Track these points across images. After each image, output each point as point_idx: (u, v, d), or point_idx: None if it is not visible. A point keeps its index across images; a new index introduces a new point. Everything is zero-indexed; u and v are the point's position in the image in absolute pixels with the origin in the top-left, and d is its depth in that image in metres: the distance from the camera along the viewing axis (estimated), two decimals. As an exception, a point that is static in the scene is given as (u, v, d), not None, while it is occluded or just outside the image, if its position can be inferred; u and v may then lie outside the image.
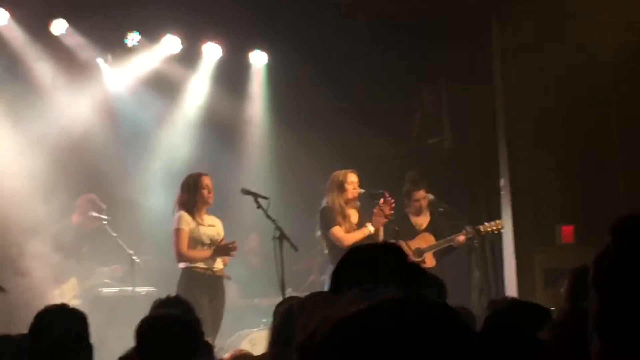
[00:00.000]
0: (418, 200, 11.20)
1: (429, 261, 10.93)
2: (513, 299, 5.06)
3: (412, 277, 3.17)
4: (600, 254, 2.08)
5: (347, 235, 10.08)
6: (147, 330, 4.51)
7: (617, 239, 2.06)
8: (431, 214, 11.31)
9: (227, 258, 10.11)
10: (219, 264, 10.00)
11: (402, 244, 10.53)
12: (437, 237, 11.03)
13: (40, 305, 8.76)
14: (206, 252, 9.89)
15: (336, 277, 3.23)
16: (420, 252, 10.93)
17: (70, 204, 11.25)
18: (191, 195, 9.94)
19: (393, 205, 10.30)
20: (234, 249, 9.95)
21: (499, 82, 12.17)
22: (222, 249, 9.93)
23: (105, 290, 11.17)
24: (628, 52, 11.28)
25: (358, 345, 1.68)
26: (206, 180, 9.99)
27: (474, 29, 12.39)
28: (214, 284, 9.93)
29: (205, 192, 9.96)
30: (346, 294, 1.93)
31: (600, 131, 11.85)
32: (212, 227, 10.03)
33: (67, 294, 10.77)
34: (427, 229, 11.19)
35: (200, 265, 9.88)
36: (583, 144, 11.81)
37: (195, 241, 9.88)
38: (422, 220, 11.28)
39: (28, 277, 10.36)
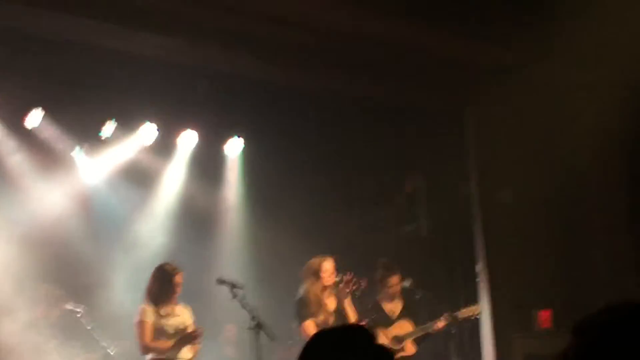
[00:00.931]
0: (392, 286, 11.17)
1: (409, 348, 10.87)
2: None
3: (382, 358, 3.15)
4: (563, 354, 2.08)
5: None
6: None
7: (578, 339, 2.07)
8: (404, 300, 11.26)
9: (196, 347, 10.02)
10: (186, 354, 9.89)
11: (380, 332, 10.49)
12: (414, 324, 10.98)
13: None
14: (170, 342, 9.80)
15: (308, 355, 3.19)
16: (399, 339, 10.87)
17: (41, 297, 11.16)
18: (163, 288, 9.88)
19: (354, 283, 10.27)
20: (197, 336, 9.86)
21: (474, 168, 12.23)
22: (186, 337, 9.84)
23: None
24: (604, 134, 11.38)
25: None
26: (179, 278, 9.97)
27: (450, 115, 12.48)
28: (181, 375, 9.83)
29: (177, 289, 9.93)
30: None
31: (577, 215, 11.88)
32: (177, 317, 9.95)
33: None
34: (401, 316, 11.13)
35: (166, 356, 9.78)
36: (560, 227, 11.85)
37: (159, 332, 9.79)
38: (395, 307, 11.23)
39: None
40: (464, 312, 10.93)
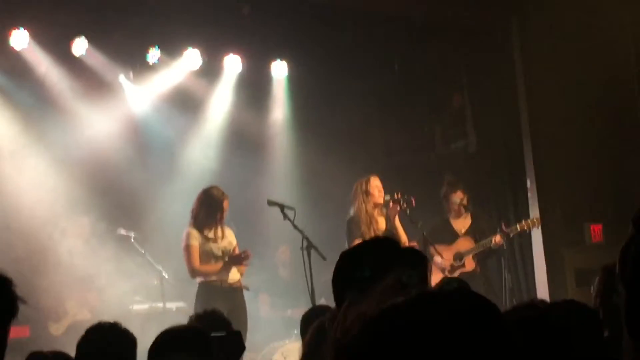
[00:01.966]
0: (455, 202, 11.17)
1: (469, 264, 10.89)
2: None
3: (412, 261, 3.15)
4: (624, 248, 2.05)
5: None
6: (159, 341, 4.45)
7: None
8: (472, 217, 11.24)
9: (243, 268, 10.11)
10: (234, 275, 10.00)
11: (442, 250, 10.55)
12: (477, 240, 10.97)
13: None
14: (219, 265, 9.88)
15: (337, 280, 3.21)
16: (459, 256, 10.89)
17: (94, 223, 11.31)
18: (209, 213, 9.95)
19: (404, 201, 10.30)
20: (246, 258, 9.95)
21: (521, 83, 12.12)
22: (235, 259, 9.93)
23: (136, 306, 11.18)
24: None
25: (397, 339, 1.64)
26: (226, 203, 10.03)
27: (495, 31, 12.35)
28: (231, 295, 9.90)
29: (223, 213, 10.00)
30: (375, 290, 1.89)
31: (626, 127, 11.76)
32: (224, 239, 10.03)
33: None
34: (468, 232, 11.13)
35: (215, 278, 9.88)
36: (609, 141, 11.74)
37: (207, 255, 9.89)
38: (463, 224, 11.23)
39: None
40: (523, 225, 10.89)
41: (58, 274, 10.74)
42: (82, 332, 4.92)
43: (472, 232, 11.13)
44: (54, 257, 10.82)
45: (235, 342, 4.75)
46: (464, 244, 11.01)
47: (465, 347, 1.61)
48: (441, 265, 10.71)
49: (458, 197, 11.16)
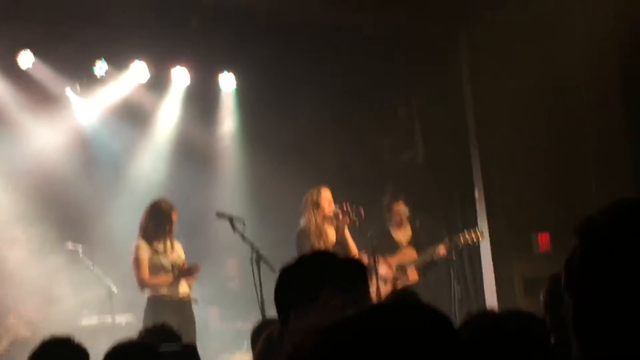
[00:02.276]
0: (397, 213, 11.22)
1: (412, 276, 10.94)
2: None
3: (353, 274, 3.17)
4: (569, 258, 2.08)
5: None
6: (109, 357, 4.43)
7: (583, 241, 2.07)
8: (412, 228, 11.31)
9: (192, 280, 10.09)
10: (184, 288, 9.99)
11: (381, 259, 10.55)
12: (419, 252, 11.02)
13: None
14: (169, 278, 9.86)
15: (279, 296, 3.23)
16: (402, 267, 10.92)
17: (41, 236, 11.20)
18: (158, 225, 9.94)
19: (354, 212, 10.33)
20: (196, 270, 9.95)
21: (469, 95, 12.21)
22: (185, 272, 9.93)
23: (85, 321, 11.08)
24: (599, 52, 11.34)
25: (352, 352, 1.65)
26: (174, 215, 10.02)
27: (443, 41, 12.42)
28: (181, 308, 9.89)
29: (172, 226, 9.98)
30: (321, 304, 1.90)
31: (573, 137, 11.88)
32: (173, 252, 10.01)
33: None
34: (409, 243, 11.19)
35: (165, 291, 9.85)
36: (556, 150, 11.85)
37: (157, 268, 9.88)
38: (403, 235, 11.29)
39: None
40: (466, 237, 10.96)
41: (2, 288, 10.63)
42: (24, 350, 4.89)
43: (413, 243, 11.19)
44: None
45: (190, 356, 4.75)
46: (407, 255, 11.06)
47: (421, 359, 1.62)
48: (385, 277, 10.74)
49: (400, 207, 11.22)
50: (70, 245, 11.10)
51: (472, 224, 11.86)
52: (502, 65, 11.60)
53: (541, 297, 4.89)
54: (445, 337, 1.67)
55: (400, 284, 10.62)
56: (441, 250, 10.81)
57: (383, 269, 10.71)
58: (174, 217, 10.05)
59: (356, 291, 3.08)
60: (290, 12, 11.75)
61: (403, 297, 5.86)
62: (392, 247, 11.09)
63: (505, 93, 11.62)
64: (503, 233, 11.83)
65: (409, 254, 11.05)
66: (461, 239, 10.91)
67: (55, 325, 10.19)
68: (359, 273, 3.20)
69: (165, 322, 5.98)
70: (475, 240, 11.04)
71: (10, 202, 11.16)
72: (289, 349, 1.91)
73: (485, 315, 3.83)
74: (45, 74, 11.72)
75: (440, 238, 11.08)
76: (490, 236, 11.65)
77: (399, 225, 11.28)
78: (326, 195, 10.50)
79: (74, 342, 4.76)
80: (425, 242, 11.12)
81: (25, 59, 11.42)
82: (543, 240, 11.76)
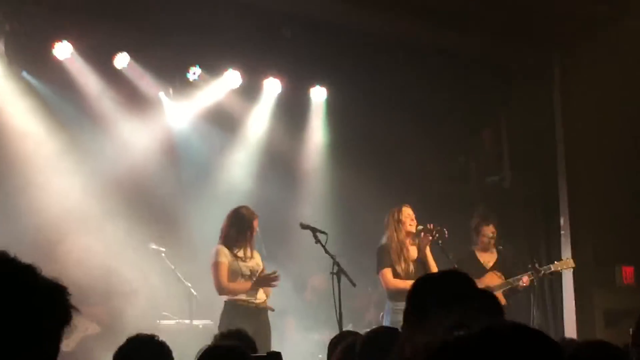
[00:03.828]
0: (486, 235, 11.11)
1: (500, 300, 10.79)
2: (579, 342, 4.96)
3: (486, 304, 3.16)
4: None
5: (393, 280, 10.11)
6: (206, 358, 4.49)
7: None
8: (498, 252, 11.18)
9: (269, 289, 10.11)
10: (261, 295, 10.00)
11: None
12: (505, 276, 10.89)
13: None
14: (247, 284, 9.90)
15: (410, 305, 3.23)
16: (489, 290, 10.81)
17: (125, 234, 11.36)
18: (239, 232, 9.99)
19: (437, 232, 10.28)
20: (275, 279, 9.95)
21: (560, 120, 12.11)
22: (263, 280, 9.93)
23: (164, 322, 11.19)
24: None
25: None
26: (255, 223, 10.08)
27: (536, 67, 12.34)
28: (257, 315, 9.91)
29: (252, 232, 10.04)
30: (436, 322, 1.91)
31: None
32: (252, 259, 10.06)
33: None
34: (494, 267, 11.07)
35: (242, 297, 9.89)
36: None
37: (235, 273, 9.90)
38: (489, 258, 11.16)
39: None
40: (558, 265, 10.81)
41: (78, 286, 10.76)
42: (93, 346, 4.97)
43: (498, 267, 11.07)
44: (79, 265, 10.85)
45: None
46: (492, 279, 10.94)
47: None
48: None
49: (490, 230, 11.11)
50: (153, 245, 11.25)
51: (556, 251, 11.74)
52: (594, 92, 11.51)
53: (630, 330, 4.82)
54: None
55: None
56: (525, 279, 10.67)
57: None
58: (255, 224, 10.10)
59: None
60: (383, 31, 11.78)
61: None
62: (477, 269, 10.97)
63: (596, 121, 11.52)
64: (587, 263, 11.68)
65: (494, 278, 10.93)
66: (551, 267, 10.75)
67: (134, 324, 10.40)
68: (495, 309, 3.21)
69: (241, 328, 6.01)
70: (564, 268, 10.87)
71: (98, 198, 11.32)
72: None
73: (567, 343, 3.81)
74: (139, 76, 11.89)
75: (523, 264, 10.96)
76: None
77: (485, 248, 11.17)
78: (408, 213, 10.46)
79: (158, 339, 4.83)
80: (511, 267, 11.00)
81: (121, 61, 11.60)
82: (627, 272, 11.59)
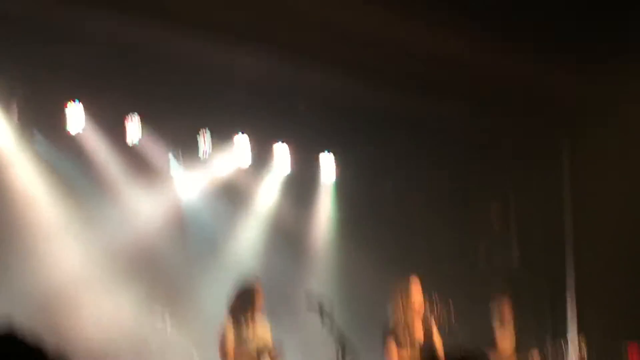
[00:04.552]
0: (505, 311, 11.09)
1: None
2: None
3: None
4: None
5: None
6: None
7: None
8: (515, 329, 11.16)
9: None
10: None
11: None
12: (516, 354, 10.85)
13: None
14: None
15: None
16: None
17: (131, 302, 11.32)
18: (245, 304, 9.97)
19: (444, 313, 10.23)
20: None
21: (568, 202, 12.12)
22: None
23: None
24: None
25: None
26: (260, 297, 10.08)
27: (544, 148, 12.37)
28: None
29: (258, 303, 10.01)
30: None
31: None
32: (258, 334, 10.00)
33: None
34: (509, 345, 11.01)
35: None
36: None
37: (241, 352, 9.87)
38: (505, 335, 11.12)
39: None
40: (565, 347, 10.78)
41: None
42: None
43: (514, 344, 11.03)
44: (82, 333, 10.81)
45: None
46: (504, 356, 10.89)
47: None
48: None
49: (506, 307, 11.12)
50: (159, 323, 11.20)
51: (562, 329, 11.69)
52: (603, 175, 11.52)
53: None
54: None
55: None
56: (535, 358, 10.63)
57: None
58: (259, 297, 10.08)
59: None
60: (395, 107, 11.85)
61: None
62: (491, 344, 10.92)
63: (605, 203, 11.53)
64: (593, 341, 11.61)
65: (505, 355, 10.88)
66: (562, 348, 10.72)
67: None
68: None
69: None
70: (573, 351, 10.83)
71: (103, 268, 11.28)
72: None
73: None
74: (151, 147, 11.91)
75: (529, 343, 10.92)
76: (579, 343, 11.45)
77: (503, 323, 11.13)
78: (417, 290, 10.41)
79: None
80: (521, 345, 10.95)
81: (133, 131, 11.59)
82: (633, 352, 11.52)
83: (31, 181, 11.26)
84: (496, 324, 11.15)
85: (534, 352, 10.69)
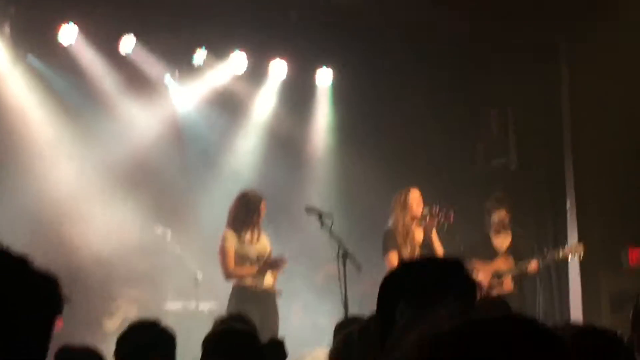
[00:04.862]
0: (499, 219, 11.04)
1: (507, 285, 10.73)
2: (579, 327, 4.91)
3: (464, 292, 3.13)
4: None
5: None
6: (214, 342, 4.50)
7: None
8: (512, 236, 11.12)
9: (276, 273, 10.12)
10: (268, 280, 10.03)
11: (479, 263, 10.45)
12: (517, 261, 10.83)
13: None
14: (253, 269, 9.91)
15: (387, 292, 3.19)
16: (498, 274, 10.78)
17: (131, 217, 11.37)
18: (246, 215, 9.99)
19: (443, 215, 10.28)
20: (282, 263, 9.97)
21: (566, 103, 12.06)
22: (270, 264, 9.95)
23: (169, 305, 11.22)
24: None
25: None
26: (263, 206, 10.07)
27: (542, 50, 12.28)
28: (264, 300, 9.95)
29: (260, 216, 10.03)
30: (436, 311, 1.89)
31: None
32: (259, 243, 10.05)
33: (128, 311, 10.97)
34: (507, 251, 11.01)
35: (249, 282, 9.91)
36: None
37: (243, 258, 9.93)
38: (503, 242, 11.09)
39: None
40: (566, 252, 10.76)
41: (101, 270, 10.84)
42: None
43: (511, 251, 11.02)
44: (82, 249, 10.88)
45: (277, 350, 4.83)
46: (503, 264, 10.89)
47: None
48: (480, 284, 10.55)
49: (502, 214, 11.05)
50: (159, 229, 11.26)
51: (562, 234, 11.72)
52: (601, 77, 11.43)
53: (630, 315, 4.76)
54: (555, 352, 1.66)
55: (495, 293, 10.46)
56: (533, 265, 10.64)
57: (479, 276, 10.54)
58: (263, 208, 10.10)
59: (465, 305, 3.05)
60: (389, 11, 11.74)
61: (494, 307, 5.81)
62: (491, 253, 10.93)
63: (603, 104, 11.46)
64: (593, 246, 11.63)
65: (505, 263, 10.88)
66: (560, 254, 10.72)
67: (139, 308, 10.45)
68: (469, 289, 3.17)
69: (241, 312, 6.02)
70: (574, 255, 10.81)
71: (102, 182, 11.31)
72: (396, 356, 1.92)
73: (565, 328, 3.78)
74: (145, 59, 11.87)
75: (531, 249, 10.94)
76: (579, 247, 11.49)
77: (499, 231, 11.12)
78: (415, 196, 10.45)
79: (161, 325, 4.80)
80: (523, 252, 10.95)
81: (127, 44, 11.58)
82: (634, 255, 11.55)
83: (25, 97, 11.25)
84: (493, 230, 11.17)
85: (533, 262, 10.69)
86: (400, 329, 2.97)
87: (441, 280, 3.14)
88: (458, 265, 3.27)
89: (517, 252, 10.97)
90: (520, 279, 10.92)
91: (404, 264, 3.34)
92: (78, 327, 9.11)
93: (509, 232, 11.10)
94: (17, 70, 11.15)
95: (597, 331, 3.69)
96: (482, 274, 10.61)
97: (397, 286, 3.19)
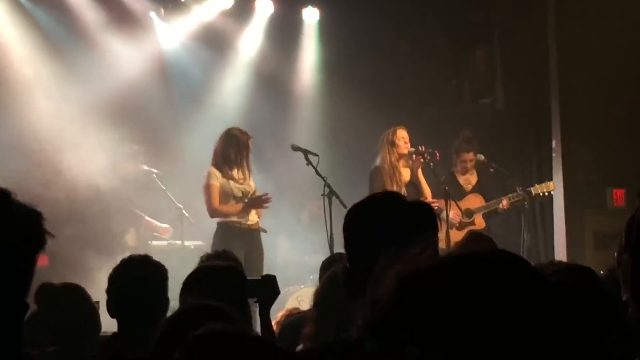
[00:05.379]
0: (465, 161, 11.16)
1: (479, 222, 10.91)
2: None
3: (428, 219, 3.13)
4: (631, 218, 2.05)
5: None
6: (197, 278, 4.51)
7: None
8: (479, 175, 11.24)
9: (260, 210, 10.12)
10: (253, 217, 10.03)
11: (453, 203, 10.50)
12: (486, 198, 10.98)
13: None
14: (238, 206, 9.91)
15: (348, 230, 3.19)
16: (469, 213, 10.88)
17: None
18: (231, 153, 9.94)
19: (429, 154, 10.32)
20: (266, 200, 9.96)
21: (553, 42, 12.01)
22: (255, 201, 9.94)
23: (155, 242, 11.23)
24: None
25: (436, 297, 1.65)
26: (250, 144, 10.04)
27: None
28: (249, 237, 9.95)
29: (246, 153, 10.00)
30: (413, 248, 1.88)
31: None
32: (244, 180, 10.04)
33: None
34: (474, 189, 11.14)
35: (234, 218, 9.91)
36: (638, 106, 11.63)
37: (227, 195, 9.91)
38: (469, 180, 11.23)
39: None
40: (538, 188, 10.89)
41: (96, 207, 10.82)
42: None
43: (479, 189, 11.13)
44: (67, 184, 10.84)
45: (270, 286, 4.86)
46: (474, 201, 11.01)
47: (509, 312, 1.61)
48: (451, 221, 10.63)
49: (468, 157, 11.14)
50: (145, 167, 11.23)
51: (548, 173, 11.76)
52: (590, 13, 11.39)
53: (615, 253, 4.78)
54: (536, 291, 1.67)
55: (467, 230, 10.55)
56: (504, 203, 10.76)
57: (451, 214, 10.62)
58: (249, 145, 10.07)
59: (426, 236, 3.04)
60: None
61: (479, 242, 5.83)
62: (458, 191, 11.01)
63: (591, 43, 11.43)
64: (578, 185, 11.70)
65: (476, 201, 11.00)
66: (532, 191, 10.82)
67: (124, 245, 10.46)
68: (430, 218, 3.16)
69: (227, 249, 6.00)
70: (546, 192, 10.93)
71: (87, 118, 11.22)
72: (370, 294, 1.91)
73: (549, 266, 3.78)
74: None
75: (511, 187, 11.01)
76: (564, 188, 11.53)
77: (464, 171, 11.22)
78: (402, 135, 10.47)
79: (152, 260, 4.84)
80: (495, 190, 11.04)
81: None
82: (618, 195, 11.60)
83: (8, 33, 11.15)
84: (459, 170, 11.25)
85: (504, 200, 10.78)
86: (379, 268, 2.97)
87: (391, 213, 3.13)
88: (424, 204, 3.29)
89: (485, 189, 11.07)
90: (489, 216, 11.02)
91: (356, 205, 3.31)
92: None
93: (474, 172, 11.20)
94: (1, 5, 11.04)
95: (578, 268, 3.71)
96: (453, 212, 10.67)
97: (355, 225, 3.18)
